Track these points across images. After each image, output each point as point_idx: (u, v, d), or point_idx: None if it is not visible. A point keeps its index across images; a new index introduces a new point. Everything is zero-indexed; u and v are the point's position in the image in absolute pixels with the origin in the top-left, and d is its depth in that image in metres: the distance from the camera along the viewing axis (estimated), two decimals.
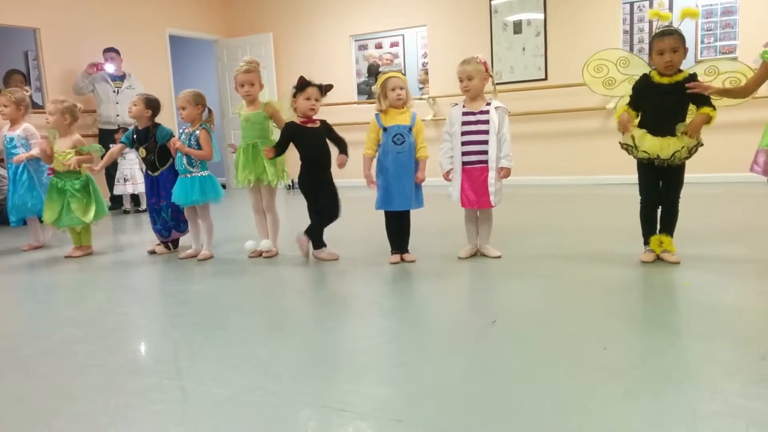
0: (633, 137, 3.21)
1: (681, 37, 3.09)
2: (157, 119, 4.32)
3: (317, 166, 3.78)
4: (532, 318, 2.60)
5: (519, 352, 2.21)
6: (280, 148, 3.79)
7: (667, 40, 3.07)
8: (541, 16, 7.36)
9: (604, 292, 2.93)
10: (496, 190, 3.50)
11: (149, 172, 4.30)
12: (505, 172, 3.52)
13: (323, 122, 3.82)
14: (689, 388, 1.83)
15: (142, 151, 4.25)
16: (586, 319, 2.55)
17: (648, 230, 3.38)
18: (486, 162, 3.50)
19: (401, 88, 3.53)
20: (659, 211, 3.34)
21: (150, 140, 4.20)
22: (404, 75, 3.66)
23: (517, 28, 7.52)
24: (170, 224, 4.31)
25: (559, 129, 7.43)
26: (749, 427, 1.58)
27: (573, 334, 2.36)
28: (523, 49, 7.52)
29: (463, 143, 3.53)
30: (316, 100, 3.70)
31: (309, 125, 3.75)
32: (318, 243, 3.89)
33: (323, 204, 3.82)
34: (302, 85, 3.70)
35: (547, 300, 2.87)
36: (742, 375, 1.90)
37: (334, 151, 3.79)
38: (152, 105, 4.24)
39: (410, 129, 3.55)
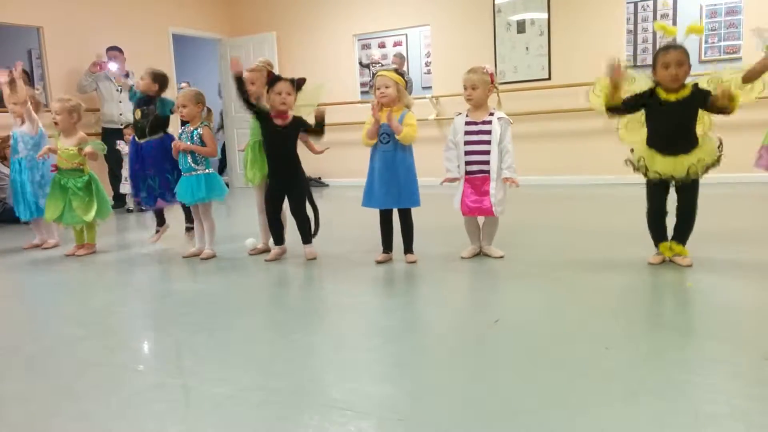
0: (642, 158, 3.18)
1: (686, 52, 3.07)
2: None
3: (276, 169, 3.79)
4: (535, 318, 2.60)
5: (521, 352, 2.20)
6: (245, 98, 3.74)
7: (673, 54, 3.04)
8: (545, 15, 7.34)
9: (607, 293, 2.92)
10: (499, 200, 3.48)
11: (135, 138, 4.31)
12: (510, 182, 3.48)
13: (296, 120, 3.77)
14: (691, 389, 1.83)
15: (138, 113, 4.24)
16: (588, 320, 2.54)
17: (656, 237, 3.34)
18: (488, 172, 3.49)
19: (386, 87, 3.48)
20: (672, 218, 3.29)
21: (150, 106, 4.22)
22: (398, 73, 3.56)
23: (521, 27, 7.51)
24: (157, 192, 4.24)
25: (562, 129, 7.41)
26: (750, 428, 1.58)
27: (575, 334, 2.36)
28: (527, 48, 7.51)
29: (466, 153, 3.53)
30: (288, 94, 3.69)
31: (277, 121, 3.74)
32: (277, 240, 3.93)
33: (295, 217, 3.86)
34: (272, 81, 3.71)
35: (549, 300, 2.87)
36: (744, 376, 1.90)
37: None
38: (159, 79, 4.28)
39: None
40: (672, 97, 3.09)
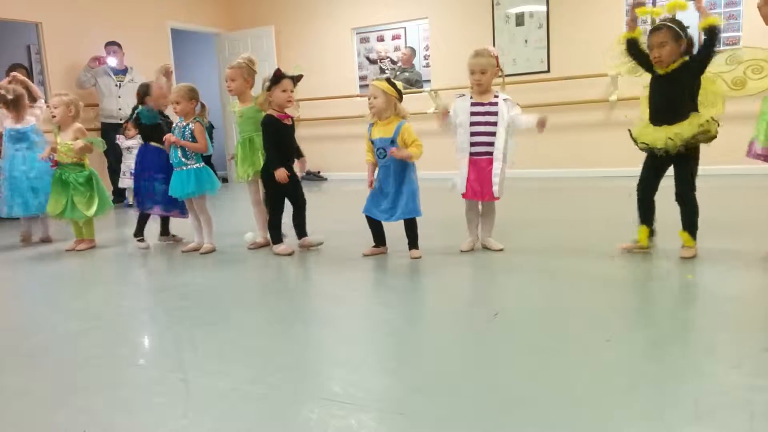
0: (631, 130, 3.26)
1: (671, 31, 3.05)
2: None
3: (287, 161, 3.81)
4: (535, 311, 2.60)
5: (521, 345, 2.20)
6: (273, 147, 3.75)
7: (654, 36, 3.08)
8: (544, 8, 7.31)
9: (607, 285, 2.92)
10: (500, 180, 3.49)
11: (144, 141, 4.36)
12: (540, 120, 3.35)
13: (292, 119, 3.88)
14: (692, 381, 1.83)
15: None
16: (589, 312, 2.54)
17: (641, 217, 3.37)
18: (492, 153, 3.49)
19: (374, 97, 3.48)
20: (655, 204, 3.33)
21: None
22: (388, 82, 3.50)
23: (519, 20, 7.48)
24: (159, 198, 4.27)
25: (562, 121, 7.38)
26: (752, 419, 1.58)
27: (576, 326, 2.36)
28: (526, 41, 7.49)
29: (472, 134, 3.51)
30: (291, 91, 3.73)
31: (286, 121, 3.77)
32: (276, 239, 3.90)
33: (294, 198, 3.88)
34: (278, 77, 3.71)
35: (549, 293, 2.87)
36: (746, 367, 1.89)
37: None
38: (143, 89, 4.27)
39: (393, 141, 3.47)
40: (661, 71, 3.15)
